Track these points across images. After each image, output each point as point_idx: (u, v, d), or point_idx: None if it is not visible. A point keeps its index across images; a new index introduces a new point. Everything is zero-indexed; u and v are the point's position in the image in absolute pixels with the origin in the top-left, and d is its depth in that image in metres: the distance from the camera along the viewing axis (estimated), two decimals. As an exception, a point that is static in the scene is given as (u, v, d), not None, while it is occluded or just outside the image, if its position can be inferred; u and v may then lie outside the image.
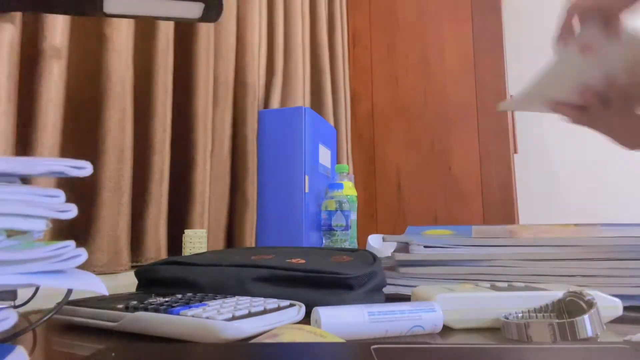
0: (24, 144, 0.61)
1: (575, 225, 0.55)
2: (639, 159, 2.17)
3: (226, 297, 0.40)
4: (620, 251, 0.48)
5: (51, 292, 0.35)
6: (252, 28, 1.12)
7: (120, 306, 0.36)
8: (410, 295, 0.43)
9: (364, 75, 1.79)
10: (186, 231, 0.73)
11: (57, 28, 0.63)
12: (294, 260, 0.48)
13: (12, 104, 0.57)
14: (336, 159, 1.45)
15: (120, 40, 0.72)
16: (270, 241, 1.04)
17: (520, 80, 1.72)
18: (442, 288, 0.40)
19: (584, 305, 0.33)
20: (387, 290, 0.52)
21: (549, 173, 2.25)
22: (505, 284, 0.41)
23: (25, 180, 0.28)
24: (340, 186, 1.11)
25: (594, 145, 2.21)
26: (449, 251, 0.52)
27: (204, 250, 0.72)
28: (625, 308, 0.38)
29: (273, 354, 0.23)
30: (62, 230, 0.66)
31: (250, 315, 0.33)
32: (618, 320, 0.37)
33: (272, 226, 1.05)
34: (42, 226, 0.25)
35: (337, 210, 1.07)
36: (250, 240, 1.02)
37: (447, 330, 0.36)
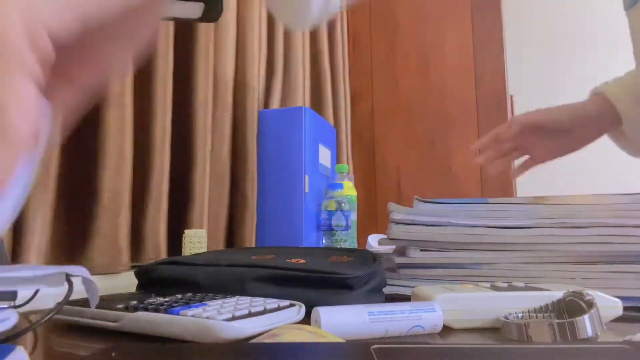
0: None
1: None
2: None
3: (226, 297, 0.40)
4: (621, 254, 0.48)
5: (51, 292, 0.35)
6: (252, 28, 1.12)
7: (120, 306, 0.36)
8: (410, 296, 0.43)
9: (364, 75, 1.79)
10: (186, 231, 0.73)
11: (57, 28, 0.63)
12: (294, 260, 0.48)
13: (12, 104, 0.57)
14: (336, 159, 1.45)
15: (120, 40, 0.72)
16: (270, 241, 1.04)
17: (520, 81, 1.73)
18: (442, 288, 0.40)
19: (584, 305, 0.33)
20: (387, 290, 0.52)
21: (548, 173, 2.25)
22: (505, 284, 0.41)
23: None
24: (340, 186, 1.11)
25: (593, 145, 2.21)
26: (444, 254, 0.52)
27: (204, 250, 0.72)
28: (625, 308, 0.38)
29: (273, 354, 0.23)
30: (62, 231, 0.66)
31: (250, 315, 0.33)
32: (618, 320, 0.37)
33: (272, 226, 1.05)
34: None
35: (337, 210, 1.07)
36: (250, 240, 1.02)
37: (447, 330, 0.36)
